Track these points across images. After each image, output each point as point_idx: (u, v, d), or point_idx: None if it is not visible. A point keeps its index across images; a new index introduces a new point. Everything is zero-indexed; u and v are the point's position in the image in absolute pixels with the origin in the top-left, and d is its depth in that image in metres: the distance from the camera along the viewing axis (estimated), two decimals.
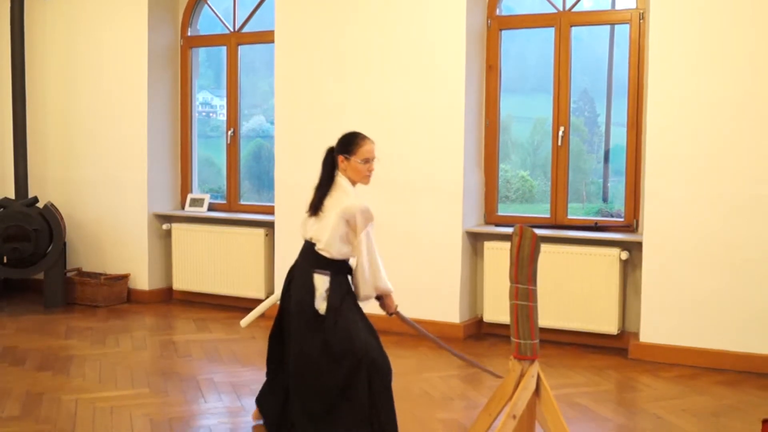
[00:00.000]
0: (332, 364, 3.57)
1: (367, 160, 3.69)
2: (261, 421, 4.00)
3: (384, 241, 6.13)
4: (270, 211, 6.89)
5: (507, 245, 5.57)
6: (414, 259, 6.07)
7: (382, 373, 3.61)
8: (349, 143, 3.71)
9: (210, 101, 8.91)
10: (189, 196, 7.38)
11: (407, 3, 6.04)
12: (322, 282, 3.63)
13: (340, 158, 3.71)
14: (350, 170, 3.70)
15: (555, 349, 5.62)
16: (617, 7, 6.13)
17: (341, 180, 3.70)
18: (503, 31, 6.14)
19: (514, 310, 3.14)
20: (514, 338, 3.15)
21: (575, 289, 5.64)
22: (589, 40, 7.25)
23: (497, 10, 6.11)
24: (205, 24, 7.52)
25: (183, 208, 7.45)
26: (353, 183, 3.72)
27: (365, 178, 3.73)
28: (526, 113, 7.79)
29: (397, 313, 3.86)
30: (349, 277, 3.76)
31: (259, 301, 6.04)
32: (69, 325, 6.38)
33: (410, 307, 6.09)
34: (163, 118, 7.32)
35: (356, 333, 3.59)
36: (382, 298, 3.79)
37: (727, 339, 5.13)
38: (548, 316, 5.61)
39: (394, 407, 3.66)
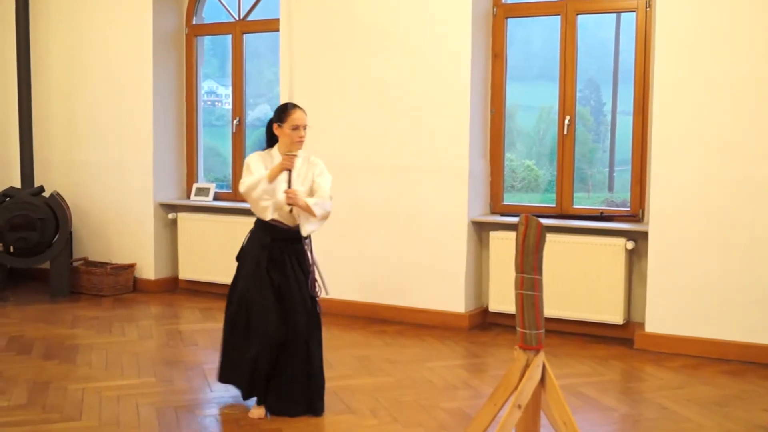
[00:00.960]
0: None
1: (296, 127, 4.04)
2: None
3: (390, 231, 6.16)
4: None
5: (512, 235, 5.56)
6: (420, 249, 6.07)
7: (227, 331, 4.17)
8: (281, 112, 4.08)
9: (215, 90, 8.90)
10: (194, 186, 7.38)
11: None
12: (248, 235, 4.19)
13: (275, 126, 4.09)
14: (283, 136, 4.07)
15: (560, 339, 5.62)
16: None
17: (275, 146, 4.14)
18: (509, 19, 6.11)
19: (520, 299, 3.13)
20: (520, 328, 3.14)
21: (581, 279, 5.63)
22: (595, 28, 7.22)
23: None
24: (209, 12, 7.50)
25: (188, 197, 7.46)
26: (288, 149, 4.05)
27: (296, 144, 4.07)
28: (532, 102, 7.77)
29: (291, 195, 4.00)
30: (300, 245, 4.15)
31: None
32: (75, 314, 6.40)
33: (416, 296, 6.11)
34: (169, 106, 7.32)
35: (242, 287, 4.07)
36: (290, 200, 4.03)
37: (732, 329, 5.12)
38: (553, 306, 5.60)
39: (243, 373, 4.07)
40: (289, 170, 4.00)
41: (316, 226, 4.09)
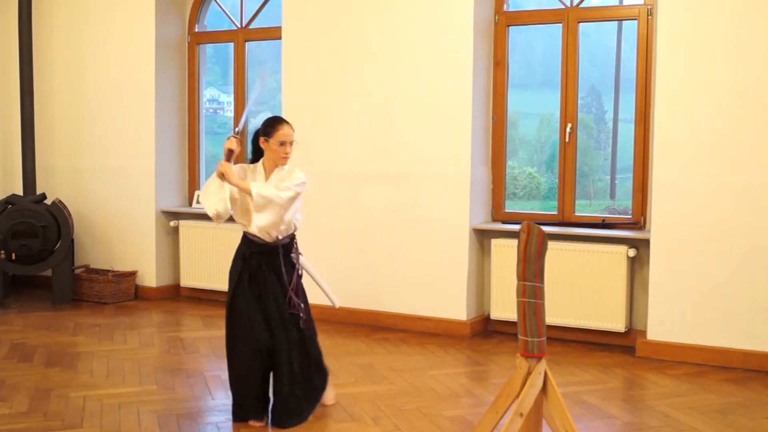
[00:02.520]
0: None
1: (283, 143, 3.94)
2: None
3: (392, 239, 6.16)
4: None
5: (514, 242, 5.56)
6: (421, 257, 6.07)
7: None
8: (269, 126, 3.98)
9: (217, 98, 8.92)
10: (196, 193, 7.39)
11: None
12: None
13: (261, 140, 3.99)
14: (269, 151, 3.98)
15: (562, 346, 5.61)
16: (625, 3, 6.10)
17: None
18: (511, 27, 6.12)
19: (522, 307, 3.13)
20: (521, 336, 3.14)
21: (582, 286, 5.62)
22: (597, 36, 7.24)
23: (505, 6, 6.10)
24: (212, 20, 7.52)
25: (190, 204, 7.46)
26: (274, 163, 3.98)
27: (281, 159, 3.98)
28: (534, 109, 7.79)
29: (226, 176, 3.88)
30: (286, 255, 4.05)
31: None
32: (77, 321, 6.40)
33: (418, 304, 6.11)
34: (171, 114, 7.33)
35: (229, 291, 4.02)
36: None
37: (734, 337, 5.11)
38: (555, 314, 5.60)
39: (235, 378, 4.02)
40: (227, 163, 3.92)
41: (263, 219, 3.84)
